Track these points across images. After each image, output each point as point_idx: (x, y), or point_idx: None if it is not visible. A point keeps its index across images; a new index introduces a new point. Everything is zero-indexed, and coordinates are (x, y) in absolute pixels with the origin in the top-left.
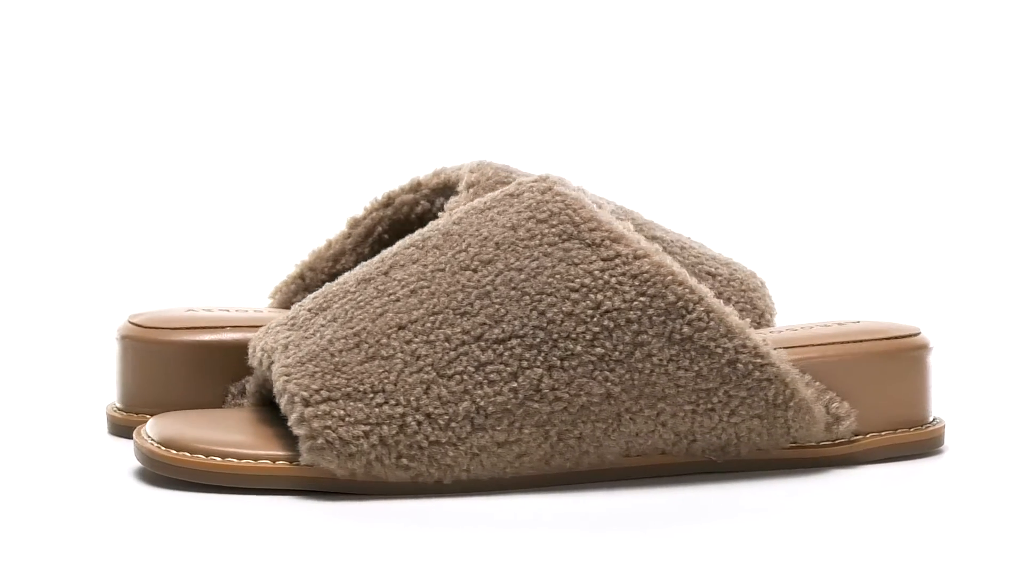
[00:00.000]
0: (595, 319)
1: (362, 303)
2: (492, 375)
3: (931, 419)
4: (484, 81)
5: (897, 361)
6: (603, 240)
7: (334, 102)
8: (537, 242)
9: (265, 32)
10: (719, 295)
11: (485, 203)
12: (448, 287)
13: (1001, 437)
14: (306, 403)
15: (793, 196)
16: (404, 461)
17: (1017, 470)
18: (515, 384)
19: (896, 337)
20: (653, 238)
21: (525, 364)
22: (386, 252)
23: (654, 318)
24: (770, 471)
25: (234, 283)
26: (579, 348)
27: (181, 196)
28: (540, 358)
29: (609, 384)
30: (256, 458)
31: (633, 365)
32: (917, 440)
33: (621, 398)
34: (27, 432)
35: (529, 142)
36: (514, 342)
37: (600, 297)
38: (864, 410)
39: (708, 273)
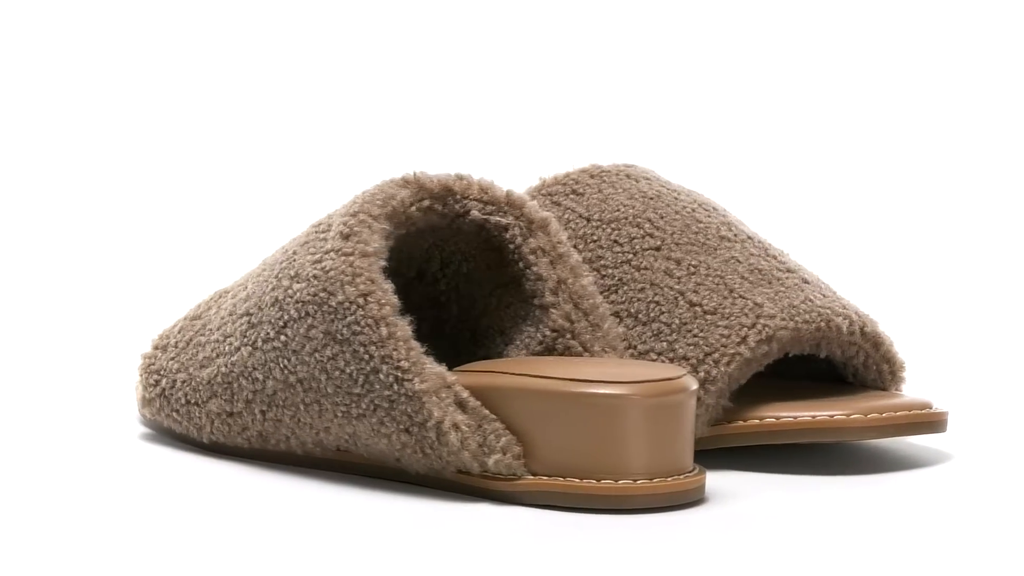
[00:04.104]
0: (287, 307)
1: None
2: (226, 347)
3: (690, 470)
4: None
5: (595, 407)
6: (338, 234)
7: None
8: (315, 229)
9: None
10: (681, 324)
11: None
12: (265, 263)
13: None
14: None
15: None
16: (174, 415)
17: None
18: (234, 359)
19: (609, 382)
20: (669, 259)
21: (245, 341)
22: None
23: (326, 315)
24: None
25: None
26: (272, 333)
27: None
28: (252, 337)
29: (287, 372)
30: None
31: (303, 358)
32: (609, 492)
33: (296, 388)
34: None
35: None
36: (243, 320)
37: (297, 287)
38: (543, 450)
39: (689, 303)
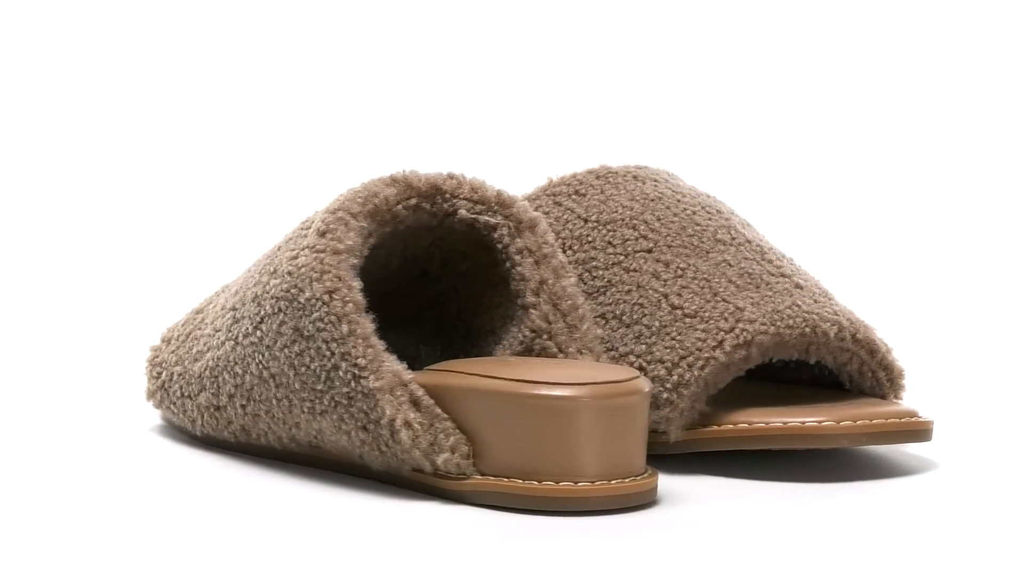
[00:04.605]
0: (263, 303)
1: None
2: (215, 341)
3: (641, 472)
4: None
5: (543, 408)
6: (316, 230)
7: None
8: (301, 226)
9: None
10: (661, 327)
11: None
12: (257, 259)
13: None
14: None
15: None
16: (172, 407)
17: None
18: (219, 353)
19: (558, 383)
20: (659, 261)
21: (229, 336)
22: None
23: (295, 311)
24: None
25: None
26: (250, 328)
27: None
28: (235, 332)
29: (261, 368)
30: None
31: (274, 353)
32: (549, 494)
33: (269, 383)
34: None
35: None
36: (230, 314)
37: (273, 283)
38: (492, 450)
39: (672, 306)
